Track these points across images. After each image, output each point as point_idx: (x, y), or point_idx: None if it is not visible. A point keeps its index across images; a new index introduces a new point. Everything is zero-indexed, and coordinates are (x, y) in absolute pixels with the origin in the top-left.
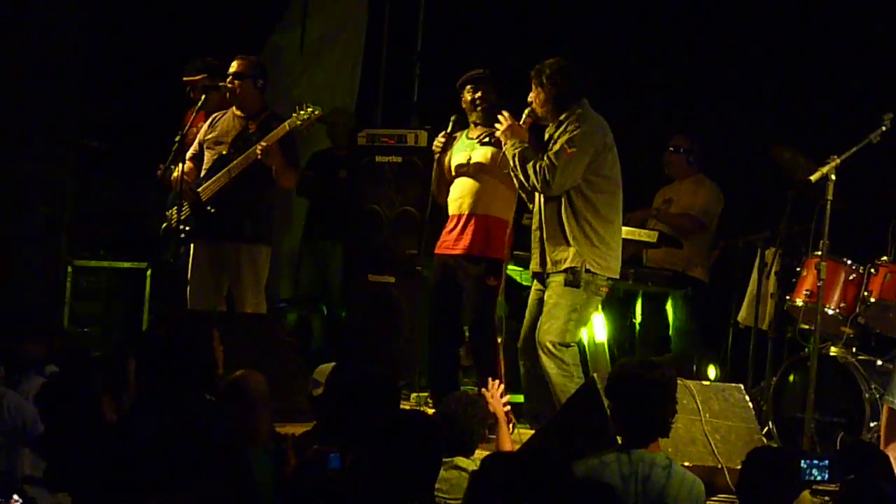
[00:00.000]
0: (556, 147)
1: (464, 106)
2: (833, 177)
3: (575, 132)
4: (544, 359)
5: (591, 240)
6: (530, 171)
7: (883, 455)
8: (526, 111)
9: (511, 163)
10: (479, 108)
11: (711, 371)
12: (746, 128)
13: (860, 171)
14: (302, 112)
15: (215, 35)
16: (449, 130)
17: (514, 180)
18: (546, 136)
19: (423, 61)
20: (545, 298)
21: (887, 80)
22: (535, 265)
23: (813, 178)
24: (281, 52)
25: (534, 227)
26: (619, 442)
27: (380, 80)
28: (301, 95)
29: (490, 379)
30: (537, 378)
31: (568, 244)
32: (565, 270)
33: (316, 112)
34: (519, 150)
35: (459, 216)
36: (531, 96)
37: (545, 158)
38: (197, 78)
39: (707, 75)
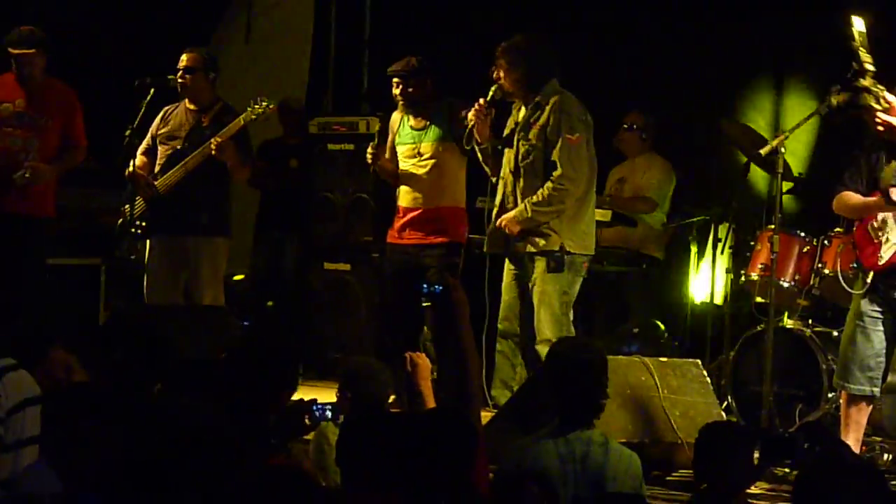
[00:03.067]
0: (536, 131)
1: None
2: (783, 150)
3: (566, 117)
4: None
5: (568, 221)
6: (555, 205)
7: (836, 438)
8: (493, 88)
9: (538, 221)
10: (400, 103)
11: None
12: (697, 103)
13: (810, 143)
14: (256, 106)
15: (162, 29)
16: (376, 143)
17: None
18: (516, 114)
19: (372, 48)
20: (531, 287)
21: (834, 54)
22: (498, 244)
23: (763, 151)
24: (227, 44)
25: (500, 206)
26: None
27: (329, 68)
28: (249, 86)
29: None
30: (506, 361)
31: (547, 225)
32: (544, 254)
33: (270, 106)
34: (531, 216)
35: (411, 209)
36: (498, 73)
37: (546, 183)
38: (30, 52)
39: (657, 50)
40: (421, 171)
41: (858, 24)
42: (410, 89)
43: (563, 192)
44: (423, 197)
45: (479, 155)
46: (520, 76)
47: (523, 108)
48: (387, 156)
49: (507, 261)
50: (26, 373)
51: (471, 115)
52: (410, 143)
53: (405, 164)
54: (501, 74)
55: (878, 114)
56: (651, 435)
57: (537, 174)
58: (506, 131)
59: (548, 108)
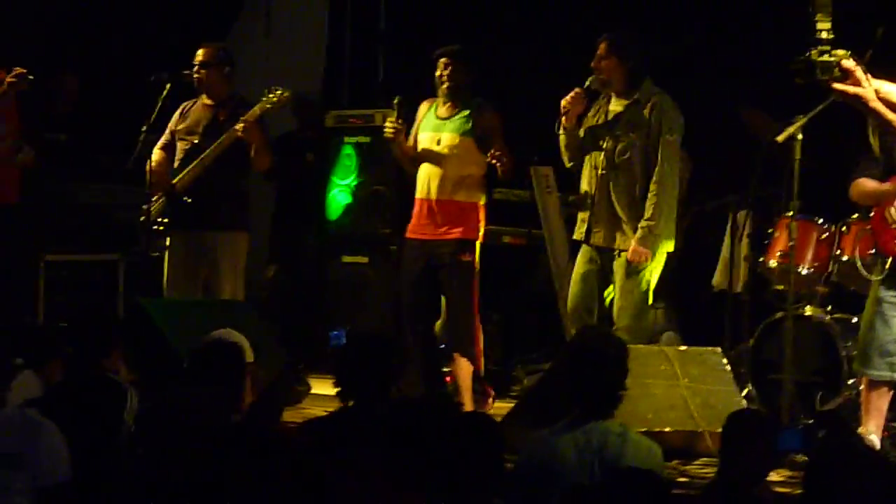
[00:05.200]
0: (637, 129)
1: (436, 80)
2: (800, 136)
3: (667, 118)
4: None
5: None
6: (665, 209)
7: (849, 425)
8: (591, 78)
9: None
10: (444, 86)
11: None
12: (713, 91)
13: (828, 129)
14: (271, 95)
15: (179, 23)
16: (396, 116)
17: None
18: (611, 108)
19: (387, 40)
20: (612, 276)
21: (850, 40)
22: (596, 238)
23: (780, 138)
24: (246, 38)
25: (595, 198)
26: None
27: (344, 61)
28: (266, 80)
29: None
30: None
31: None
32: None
33: (285, 94)
34: (652, 234)
35: (427, 201)
36: (602, 64)
37: (649, 194)
38: None
39: (673, 39)
40: (439, 161)
41: None
42: (458, 73)
43: (666, 193)
44: (439, 187)
45: (562, 140)
46: (624, 71)
47: (613, 102)
48: (409, 142)
49: (582, 251)
50: (31, 373)
51: (566, 101)
52: (433, 131)
53: (425, 154)
54: (608, 66)
55: (833, 84)
56: (671, 424)
57: (633, 170)
58: (590, 121)
59: (648, 106)
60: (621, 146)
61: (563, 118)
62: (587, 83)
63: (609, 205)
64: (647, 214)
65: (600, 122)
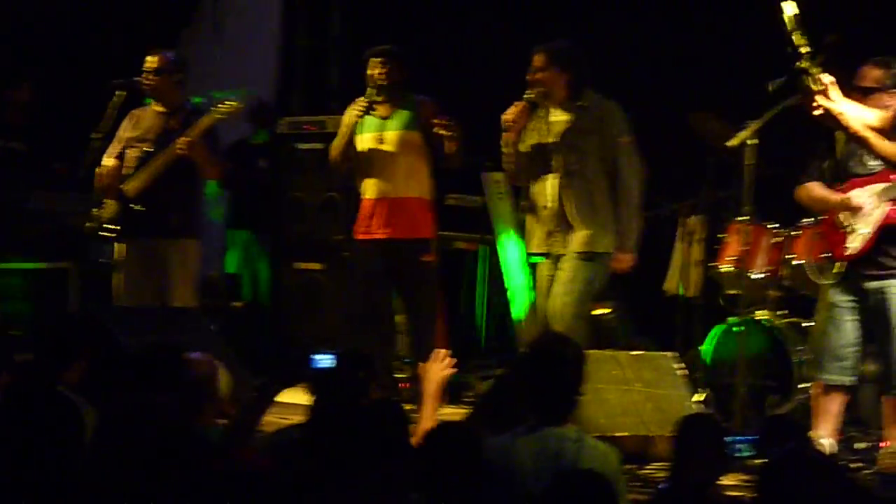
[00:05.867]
0: (587, 137)
1: (367, 80)
2: (751, 141)
3: (618, 122)
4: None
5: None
6: (637, 204)
7: (803, 428)
8: (531, 91)
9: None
10: (381, 84)
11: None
12: (664, 95)
13: (779, 134)
14: (222, 105)
15: (129, 30)
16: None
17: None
18: (552, 120)
19: (340, 46)
20: (562, 272)
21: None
22: (555, 247)
23: (732, 143)
24: (196, 44)
25: (547, 205)
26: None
27: (297, 67)
28: (218, 87)
29: (436, 351)
30: None
31: (605, 226)
32: (591, 253)
33: (236, 104)
34: (636, 230)
35: (375, 200)
36: (541, 75)
37: (620, 192)
38: None
39: (626, 43)
40: (386, 159)
41: (789, 10)
42: (393, 71)
43: (638, 190)
44: (388, 187)
45: (506, 157)
46: (566, 82)
47: (554, 114)
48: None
49: (540, 266)
50: None
51: (509, 116)
52: (375, 131)
53: (368, 154)
54: (548, 77)
55: (817, 97)
56: (625, 429)
57: (587, 178)
58: (531, 135)
59: (597, 114)
60: (575, 156)
61: (508, 133)
62: (526, 95)
63: (567, 214)
64: (623, 219)
65: (543, 133)
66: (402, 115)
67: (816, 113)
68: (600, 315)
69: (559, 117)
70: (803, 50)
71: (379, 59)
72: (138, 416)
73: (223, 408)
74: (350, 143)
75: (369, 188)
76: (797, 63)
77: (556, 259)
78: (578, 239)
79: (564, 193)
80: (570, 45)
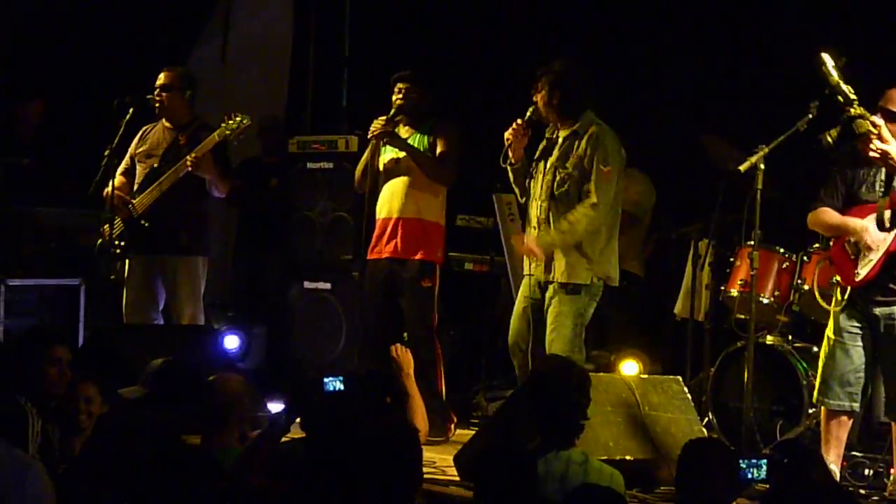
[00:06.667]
0: (573, 161)
1: (392, 102)
2: (762, 166)
3: (602, 149)
4: None
5: (601, 248)
6: (580, 229)
7: (815, 452)
8: (531, 109)
9: (563, 246)
10: (398, 106)
11: (632, 366)
12: (676, 119)
13: (790, 159)
14: (231, 122)
15: (140, 48)
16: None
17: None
18: (550, 137)
19: (351, 66)
20: (546, 309)
21: (813, 69)
22: (537, 271)
23: (742, 167)
24: (205, 63)
25: (533, 228)
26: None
27: (308, 86)
28: (228, 105)
29: (394, 349)
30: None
31: (585, 256)
32: (574, 285)
33: (244, 121)
34: (559, 241)
35: (388, 220)
36: (538, 95)
37: (579, 204)
38: None
39: (637, 65)
40: (397, 181)
41: (829, 61)
42: (414, 96)
43: (590, 218)
44: (400, 207)
45: (510, 175)
46: (558, 100)
47: (558, 133)
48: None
49: (523, 285)
50: None
51: (508, 134)
52: (392, 152)
53: (384, 174)
54: (540, 96)
55: (875, 141)
56: (632, 452)
57: (572, 202)
58: (537, 153)
59: (585, 137)
60: (559, 178)
61: (509, 151)
62: (528, 114)
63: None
64: (562, 226)
65: (541, 151)
66: (419, 139)
67: (873, 155)
68: None
69: (562, 136)
70: (852, 97)
71: (401, 84)
72: (130, 431)
73: (246, 430)
74: (370, 162)
75: (382, 207)
76: (849, 109)
77: (538, 283)
78: (558, 268)
79: (548, 216)
80: (567, 65)
